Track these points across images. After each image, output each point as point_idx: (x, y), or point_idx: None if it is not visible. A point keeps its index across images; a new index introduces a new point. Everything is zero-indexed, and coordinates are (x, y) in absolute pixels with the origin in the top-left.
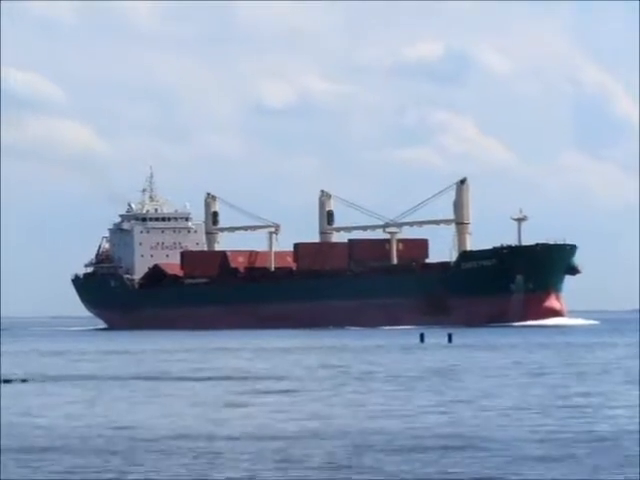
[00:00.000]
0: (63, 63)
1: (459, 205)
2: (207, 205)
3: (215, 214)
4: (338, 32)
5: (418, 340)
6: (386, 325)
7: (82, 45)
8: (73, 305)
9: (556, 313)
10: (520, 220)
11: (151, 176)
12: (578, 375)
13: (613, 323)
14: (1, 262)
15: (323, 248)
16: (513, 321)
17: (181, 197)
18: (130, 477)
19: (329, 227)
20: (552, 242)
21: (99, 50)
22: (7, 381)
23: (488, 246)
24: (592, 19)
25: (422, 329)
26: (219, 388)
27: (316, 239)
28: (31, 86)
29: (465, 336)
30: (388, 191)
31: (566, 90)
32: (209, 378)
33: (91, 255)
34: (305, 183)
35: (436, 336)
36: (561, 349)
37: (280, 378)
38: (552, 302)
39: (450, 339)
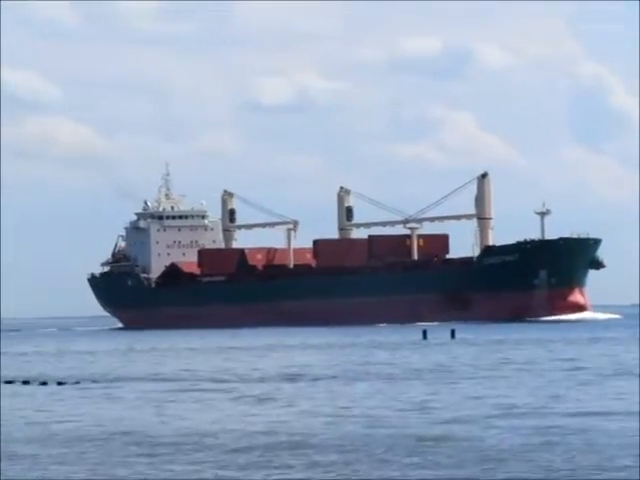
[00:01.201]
0: (60, 62)
1: (481, 200)
2: (224, 202)
3: (232, 211)
4: (336, 29)
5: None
6: (407, 322)
7: (81, 44)
8: (90, 305)
9: (580, 308)
10: (543, 214)
11: (167, 174)
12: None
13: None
14: (13, 263)
15: (343, 245)
16: (537, 316)
17: (194, 194)
18: None
19: (348, 223)
20: (575, 236)
21: (97, 49)
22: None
23: (506, 241)
24: (590, 13)
25: (444, 325)
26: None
27: (335, 235)
28: (28, 85)
29: (472, 332)
30: (397, 187)
31: (564, 84)
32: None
33: (107, 254)
34: (315, 179)
35: (442, 332)
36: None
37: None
38: (576, 297)
39: (453, 335)
